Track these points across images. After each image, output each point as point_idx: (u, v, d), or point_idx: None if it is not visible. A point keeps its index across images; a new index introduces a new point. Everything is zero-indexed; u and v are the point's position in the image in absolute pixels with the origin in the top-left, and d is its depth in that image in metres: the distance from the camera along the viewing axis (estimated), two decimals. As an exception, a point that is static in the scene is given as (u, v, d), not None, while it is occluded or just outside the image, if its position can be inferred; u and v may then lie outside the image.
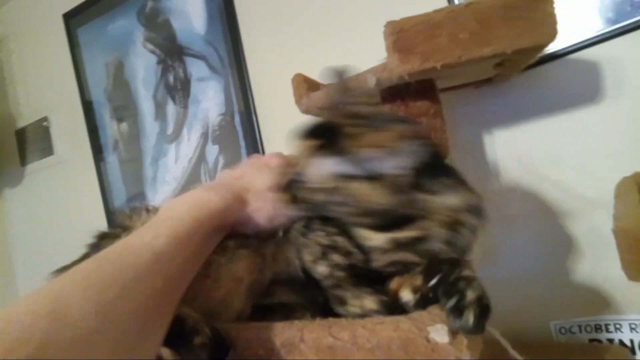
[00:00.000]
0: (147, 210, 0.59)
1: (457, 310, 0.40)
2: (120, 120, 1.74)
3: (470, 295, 0.41)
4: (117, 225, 0.59)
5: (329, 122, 0.52)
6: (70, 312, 0.31)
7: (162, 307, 0.38)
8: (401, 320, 0.38)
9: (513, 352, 0.88)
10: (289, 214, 0.51)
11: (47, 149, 1.95)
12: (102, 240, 0.58)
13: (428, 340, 0.37)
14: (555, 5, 0.63)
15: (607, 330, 0.98)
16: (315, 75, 1.00)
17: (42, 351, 0.28)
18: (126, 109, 1.70)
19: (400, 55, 0.64)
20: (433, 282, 0.44)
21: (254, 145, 1.37)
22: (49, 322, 0.30)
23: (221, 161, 1.46)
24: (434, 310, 0.39)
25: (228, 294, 0.50)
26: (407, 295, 0.45)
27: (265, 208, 0.52)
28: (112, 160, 1.77)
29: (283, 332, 0.40)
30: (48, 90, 1.93)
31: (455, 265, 0.46)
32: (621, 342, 0.96)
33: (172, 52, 1.54)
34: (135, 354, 0.34)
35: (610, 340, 0.97)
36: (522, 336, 1.01)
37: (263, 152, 1.37)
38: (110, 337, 0.32)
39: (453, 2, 1.04)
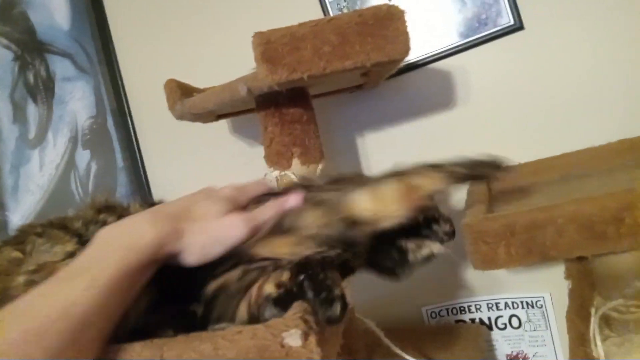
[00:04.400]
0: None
1: (327, 302, 0.43)
2: (-30, 122, 1.53)
3: (337, 290, 0.45)
4: None
5: None
6: None
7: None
8: (258, 328, 0.40)
9: (386, 340, 0.95)
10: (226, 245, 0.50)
11: None
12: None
13: (282, 346, 0.39)
14: (407, 23, 0.70)
15: (470, 311, 1.11)
16: (191, 76, 0.98)
17: None
18: (-23, 110, 1.50)
19: (268, 65, 0.65)
20: (301, 277, 0.47)
21: (130, 149, 1.30)
22: None
23: (94, 167, 1.36)
24: (287, 316, 0.41)
25: None
26: (270, 289, 0.47)
27: (198, 243, 0.49)
28: (-38, 168, 1.55)
29: (142, 353, 0.40)
30: None
31: (325, 263, 0.49)
32: (481, 321, 1.09)
33: (31, 48, 1.40)
34: None
35: (473, 320, 1.10)
36: (397, 323, 1.10)
37: (141, 158, 1.30)
38: None
39: (328, 13, 1.09)
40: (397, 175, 0.58)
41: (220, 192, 0.56)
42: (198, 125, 1.09)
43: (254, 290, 0.48)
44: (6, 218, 1.50)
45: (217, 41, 1.19)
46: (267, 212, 0.53)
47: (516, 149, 0.98)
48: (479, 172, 0.66)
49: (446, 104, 1.05)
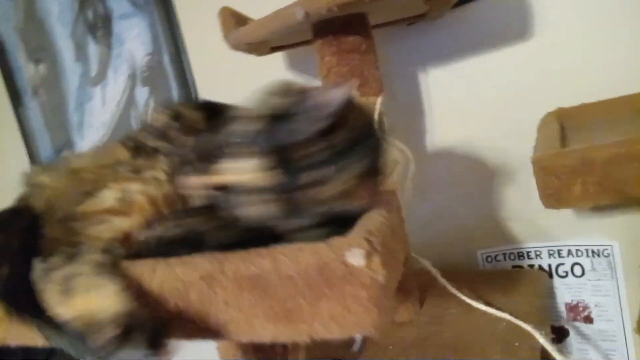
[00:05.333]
0: None
1: None
2: (37, 62, 1.59)
3: None
4: None
5: None
6: None
7: None
8: (320, 245, 0.39)
9: (442, 280, 0.94)
10: None
11: (-46, 96, 1.77)
12: None
13: (344, 264, 0.37)
14: None
15: (529, 257, 1.06)
16: (244, 8, 0.95)
17: None
18: (43, 49, 1.55)
19: (329, -16, 0.61)
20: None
21: (186, 86, 1.31)
22: None
23: (152, 104, 1.39)
24: (351, 235, 0.40)
25: None
26: None
27: None
28: (32, 106, 1.63)
29: (202, 265, 0.40)
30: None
31: None
32: (540, 267, 1.05)
33: (89, -16, 1.41)
34: None
35: (531, 266, 1.06)
36: (451, 266, 1.08)
37: (196, 94, 1.31)
38: None
39: None
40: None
41: None
42: (252, 61, 1.07)
43: None
44: (73, 155, 1.59)
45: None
46: None
47: (590, 87, 0.90)
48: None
49: (518, 36, 0.96)
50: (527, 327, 0.76)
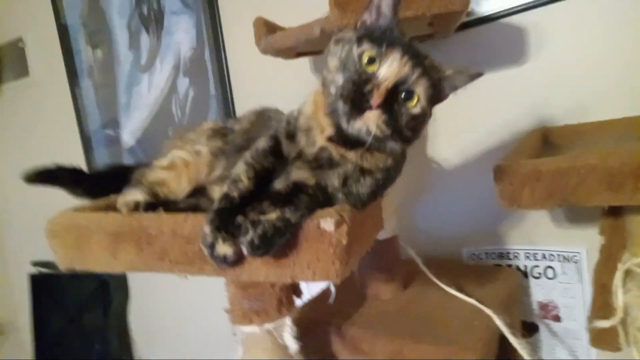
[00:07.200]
0: None
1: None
2: (95, 46, 1.79)
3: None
4: None
5: None
6: None
7: None
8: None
9: (423, 267, 1.07)
10: None
11: (22, 70, 1.99)
12: None
13: (319, 228, 0.53)
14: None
15: (508, 258, 1.19)
16: (278, 16, 1.10)
17: None
18: (101, 35, 1.75)
19: (338, 10, 0.76)
20: None
21: (222, 80, 1.48)
22: None
23: (191, 93, 1.57)
24: (329, 209, 0.55)
25: None
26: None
27: None
28: (86, 85, 1.84)
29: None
30: (23, 10, 1.95)
31: None
32: (517, 268, 1.17)
33: (147, -17, 1.60)
34: None
35: (509, 266, 1.18)
36: (439, 258, 1.22)
37: (230, 88, 1.47)
38: None
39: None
40: None
41: None
42: (281, 63, 1.22)
43: None
44: (119, 133, 1.79)
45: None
46: None
47: (584, 108, 1.01)
48: None
49: (517, 59, 1.08)
50: (489, 312, 0.89)
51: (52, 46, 1.87)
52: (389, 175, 0.64)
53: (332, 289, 1.01)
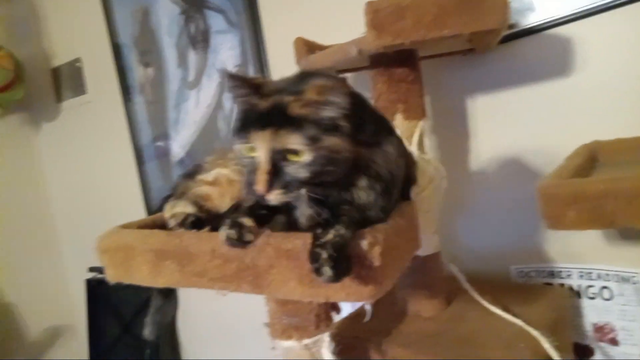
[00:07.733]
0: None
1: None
2: (146, 65, 1.89)
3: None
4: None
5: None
6: None
7: None
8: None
9: (466, 285, 1.05)
10: None
11: (80, 88, 2.13)
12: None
13: (359, 247, 0.54)
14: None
15: (560, 277, 1.13)
16: (319, 35, 1.12)
17: None
18: (151, 54, 1.84)
19: (375, 31, 0.76)
20: None
21: (265, 96, 1.51)
22: None
23: (236, 109, 1.61)
24: (367, 230, 0.56)
25: None
26: None
27: None
28: (138, 101, 1.94)
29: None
30: (80, 32, 2.08)
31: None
32: (570, 288, 1.12)
33: (193, 4, 1.66)
34: None
35: (562, 285, 1.13)
36: (486, 277, 1.18)
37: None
38: None
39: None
40: None
41: None
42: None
43: None
44: (169, 146, 1.86)
45: (341, 7, 1.30)
46: None
47: (628, 123, 0.96)
48: None
49: (561, 72, 1.05)
50: (536, 333, 0.86)
51: (106, 65, 1.98)
52: (391, 176, 0.64)
53: (368, 307, 1.01)
